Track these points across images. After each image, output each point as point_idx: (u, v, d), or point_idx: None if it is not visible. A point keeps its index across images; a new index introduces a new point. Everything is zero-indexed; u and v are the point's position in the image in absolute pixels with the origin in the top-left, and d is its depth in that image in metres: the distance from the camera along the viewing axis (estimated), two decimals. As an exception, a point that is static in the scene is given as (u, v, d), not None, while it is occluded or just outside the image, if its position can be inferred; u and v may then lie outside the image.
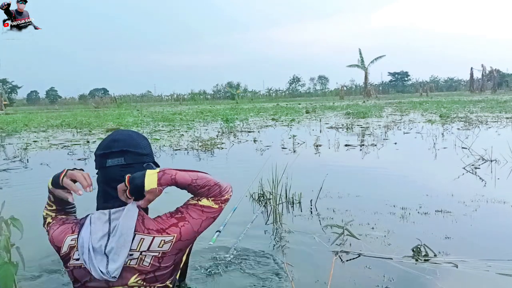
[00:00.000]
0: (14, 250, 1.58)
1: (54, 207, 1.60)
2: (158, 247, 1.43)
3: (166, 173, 1.45)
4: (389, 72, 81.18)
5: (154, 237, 1.43)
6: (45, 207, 1.63)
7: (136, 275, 1.43)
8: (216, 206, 1.53)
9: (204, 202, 1.52)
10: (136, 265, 1.43)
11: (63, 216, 1.60)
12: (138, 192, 1.42)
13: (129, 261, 1.42)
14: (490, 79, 53.88)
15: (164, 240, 1.44)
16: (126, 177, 1.43)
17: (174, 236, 1.45)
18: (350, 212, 3.06)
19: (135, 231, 1.43)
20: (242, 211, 2.99)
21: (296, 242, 2.49)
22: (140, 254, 1.42)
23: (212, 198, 1.52)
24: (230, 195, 1.59)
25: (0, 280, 1.47)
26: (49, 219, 1.59)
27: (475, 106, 18.67)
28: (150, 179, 1.42)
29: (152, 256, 1.43)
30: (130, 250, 1.42)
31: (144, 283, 1.44)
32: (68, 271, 1.46)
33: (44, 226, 1.62)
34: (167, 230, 1.46)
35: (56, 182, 1.50)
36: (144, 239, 1.43)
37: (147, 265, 1.43)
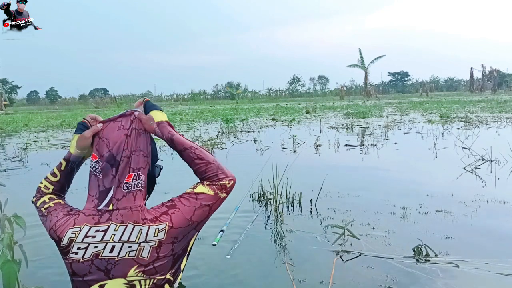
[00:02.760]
0: (17, 248, 1.58)
1: (57, 178, 1.62)
2: (154, 236, 1.45)
3: (167, 127, 1.61)
4: (389, 72, 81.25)
5: (149, 226, 1.46)
6: (46, 177, 1.64)
7: (135, 267, 1.44)
8: (211, 193, 1.53)
9: (200, 188, 1.54)
10: (135, 257, 1.44)
11: (61, 202, 1.60)
12: (148, 107, 1.65)
13: (127, 253, 1.43)
14: (490, 79, 53.86)
15: (158, 229, 1.46)
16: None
17: (166, 224, 1.47)
18: (351, 212, 3.06)
19: (135, 222, 1.45)
20: (243, 211, 3.00)
21: (297, 241, 2.49)
22: (139, 245, 1.44)
23: (207, 182, 1.55)
24: (229, 184, 1.57)
25: (3, 278, 1.48)
26: (46, 198, 1.59)
27: (475, 106, 18.68)
28: (159, 114, 1.63)
29: (150, 246, 1.45)
30: (129, 241, 1.44)
31: (144, 276, 1.45)
32: (67, 263, 1.47)
33: (34, 201, 1.61)
34: (159, 219, 1.48)
35: (83, 124, 1.61)
36: (142, 229, 1.46)
37: (146, 256, 1.45)
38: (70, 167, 1.63)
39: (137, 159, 1.54)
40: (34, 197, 1.63)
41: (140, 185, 1.53)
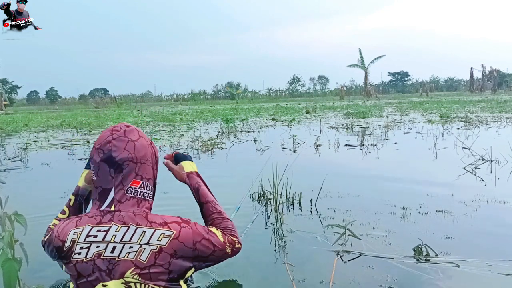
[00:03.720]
0: (17, 246, 1.58)
1: (66, 215, 1.69)
2: (157, 240, 1.45)
3: (195, 178, 1.74)
4: (389, 72, 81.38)
5: (155, 229, 1.46)
6: (56, 217, 1.71)
7: (132, 268, 1.43)
8: (222, 239, 1.59)
9: (213, 229, 1.61)
10: (134, 258, 1.43)
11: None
12: (179, 158, 1.81)
13: (127, 254, 1.43)
14: (490, 79, 53.89)
15: (164, 234, 1.46)
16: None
17: (173, 232, 1.47)
18: (351, 212, 3.06)
19: (138, 225, 1.45)
20: (243, 211, 2.99)
21: (297, 241, 2.49)
22: (140, 247, 1.43)
23: (221, 230, 1.63)
24: (237, 245, 1.66)
25: (4, 276, 1.47)
26: (51, 226, 1.64)
27: (475, 106, 18.68)
28: (189, 165, 1.78)
29: (151, 249, 1.44)
30: (131, 242, 1.43)
31: (139, 279, 1.44)
32: (71, 266, 1.45)
33: (43, 241, 1.59)
34: (169, 225, 1.49)
35: None
36: (145, 231, 1.45)
37: (144, 259, 1.44)
38: (79, 201, 1.71)
39: (145, 167, 1.54)
40: (44, 237, 1.62)
41: (146, 195, 1.53)
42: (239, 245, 1.68)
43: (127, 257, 1.43)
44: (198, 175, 1.77)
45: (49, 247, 1.54)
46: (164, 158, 1.84)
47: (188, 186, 1.77)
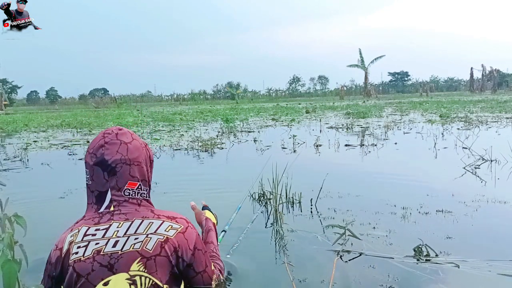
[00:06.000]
0: (17, 247, 1.57)
1: None
2: (165, 230, 1.44)
3: (210, 223, 1.97)
4: (389, 72, 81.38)
5: (163, 221, 1.46)
6: None
7: (139, 259, 1.39)
8: (212, 268, 1.60)
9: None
10: (139, 248, 1.40)
11: None
12: (205, 208, 2.13)
13: (132, 245, 1.40)
14: (490, 79, 53.90)
15: (172, 226, 1.46)
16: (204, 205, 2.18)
17: (181, 226, 1.47)
18: (351, 211, 3.06)
19: (144, 217, 1.45)
20: (243, 211, 2.99)
21: (297, 241, 2.49)
22: (146, 236, 1.41)
23: (213, 263, 1.66)
24: (216, 280, 1.65)
25: (3, 278, 1.47)
26: None
27: (475, 106, 18.68)
28: (211, 214, 2.07)
29: (157, 239, 1.41)
30: (136, 234, 1.41)
31: (145, 270, 1.40)
32: (70, 270, 1.42)
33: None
34: (177, 219, 1.49)
35: None
36: (153, 223, 1.44)
37: (150, 248, 1.40)
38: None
39: (139, 169, 1.52)
40: None
41: (145, 195, 1.53)
42: (219, 276, 1.68)
43: (132, 248, 1.39)
44: (214, 224, 1.99)
45: (48, 269, 1.50)
46: (191, 205, 2.07)
47: (201, 228, 1.94)
